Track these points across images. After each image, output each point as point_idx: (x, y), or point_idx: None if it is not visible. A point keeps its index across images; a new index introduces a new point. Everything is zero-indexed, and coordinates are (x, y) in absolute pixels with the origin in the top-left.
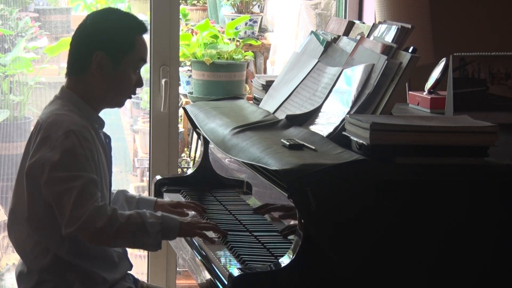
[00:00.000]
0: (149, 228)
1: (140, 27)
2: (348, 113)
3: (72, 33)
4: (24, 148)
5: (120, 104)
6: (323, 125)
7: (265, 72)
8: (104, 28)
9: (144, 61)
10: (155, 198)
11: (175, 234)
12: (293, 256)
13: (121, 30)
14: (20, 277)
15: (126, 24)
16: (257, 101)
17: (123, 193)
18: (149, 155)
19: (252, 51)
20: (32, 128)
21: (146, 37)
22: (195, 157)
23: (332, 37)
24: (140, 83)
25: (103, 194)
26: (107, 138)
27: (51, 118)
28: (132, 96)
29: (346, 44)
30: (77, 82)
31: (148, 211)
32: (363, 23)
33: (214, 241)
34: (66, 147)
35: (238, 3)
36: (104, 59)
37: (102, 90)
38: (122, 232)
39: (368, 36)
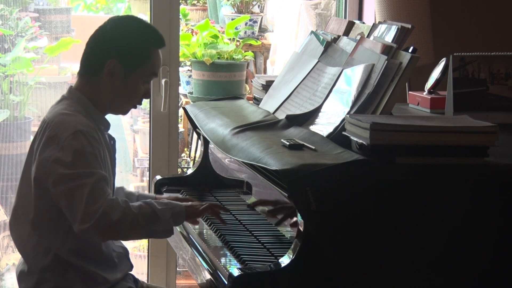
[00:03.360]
0: (160, 215)
1: (158, 41)
2: (348, 113)
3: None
4: (27, 148)
5: (124, 112)
6: (323, 125)
7: (265, 72)
8: (122, 36)
9: (156, 75)
10: (154, 194)
11: (183, 217)
12: (293, 256)
13: (138, 42)
14: (20, 276)
15: (144, 36)
16: (257, 101)
17: (122, 189)
18: (149, 155)
19: (252, 51)
20: (32, 128)
21: (162, 50)
22: (195, 157)
23: (332, 37)
24: (147, 95)
25: None
26: (112, 140)
27: (58, 118)
28: (138, 106)
29: (346, 44)
30: (86, 83)
31: (154, 200)
32: (363, 23)
33: (224, 221)
34: (76, 147)
35: (238, 3)
36: (117, 68)
37: (109, 96)
38: (137, 222)
39: (368, 36)
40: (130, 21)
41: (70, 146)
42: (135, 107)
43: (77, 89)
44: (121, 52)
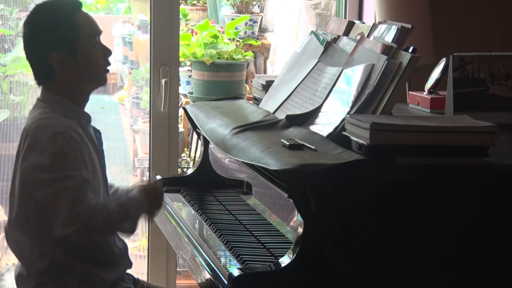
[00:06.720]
0: (131, 214)
1: (73, 5)
2: (348, 113)
3: None
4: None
5: (102, 82)
6: (323, 125)
7: (265, 72)
8: (43, 28)
9: (98, 33)
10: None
11: (144, 209)
12: (293, 256)
13: (57, 20)
14: (19, 279)
15: (59, 11)
16: (257, 101)
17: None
18: (149, 155)
19: (252, 51)
20: None
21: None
22: (195, 157)
23: (332, 37)
24: (107, 53)
25: (96, 190)
26: (97, 132)
27: (36, 123)
28: (109, 67)
29: (346, 44)
30: (51, 85)
31: (120, 198)
32: (363, 23)
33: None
34: (55, 150)
35: (238, 3)
36: (61, 56)
37: (76, 82)
38: (114, 225)
39: (368, 36)
40: (38, 10)
41: (50, 150)
42: (108, 70)
43: (48, 90)
44: (52, 41)
